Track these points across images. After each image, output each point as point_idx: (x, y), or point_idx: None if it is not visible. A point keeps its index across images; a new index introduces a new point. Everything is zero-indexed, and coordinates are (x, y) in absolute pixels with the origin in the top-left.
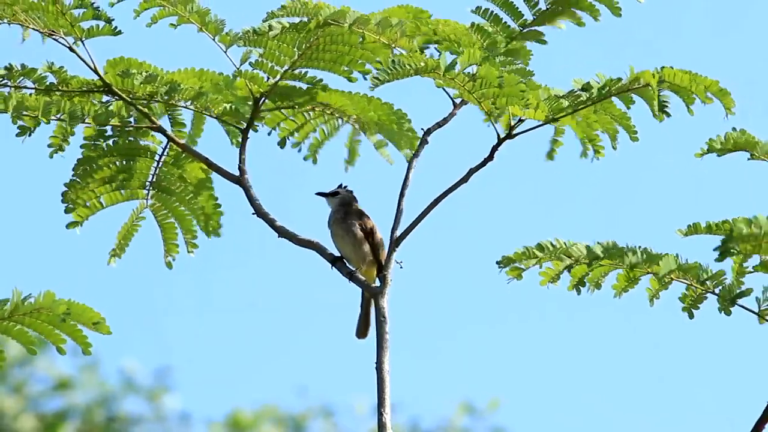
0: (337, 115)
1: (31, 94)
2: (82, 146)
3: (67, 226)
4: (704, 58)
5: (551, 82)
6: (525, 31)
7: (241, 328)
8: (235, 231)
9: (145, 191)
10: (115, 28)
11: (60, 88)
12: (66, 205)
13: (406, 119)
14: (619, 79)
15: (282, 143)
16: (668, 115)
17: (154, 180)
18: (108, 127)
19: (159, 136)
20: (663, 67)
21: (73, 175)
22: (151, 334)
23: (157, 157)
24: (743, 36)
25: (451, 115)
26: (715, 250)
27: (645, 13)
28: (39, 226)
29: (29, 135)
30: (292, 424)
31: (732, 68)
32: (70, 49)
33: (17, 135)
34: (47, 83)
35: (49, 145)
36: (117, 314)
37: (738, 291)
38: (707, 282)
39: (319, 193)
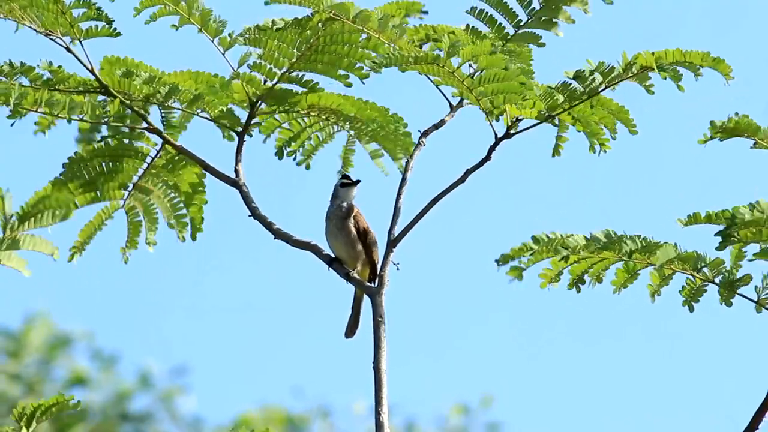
0: (332, 120)
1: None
2: (76, 140)
3: None
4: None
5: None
6: (520, 32)
7: (237, 329)
8: (232, 233)
9: (125, 192)
10: (114, 29)
11: (57, 87)
12: None
13: (402, 122)
14: (612, 68)
15: (279, 153)
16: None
17: (137, 182)
18: (104, 126)
19: (154, 138)
20: (654, 52)
21: (60, 175)
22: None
23: (149, 160)
24: (743, 36)
25: (449, 116)
26: (716, 234)
27: (644, 13)
28: None
29: (20, 118)
30: (290, 424)
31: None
32: (67, 49)
33: (8, 117)
34: (43, 80)
35: (36, 123)
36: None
37: (737, 278)
38: (706, 270)
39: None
